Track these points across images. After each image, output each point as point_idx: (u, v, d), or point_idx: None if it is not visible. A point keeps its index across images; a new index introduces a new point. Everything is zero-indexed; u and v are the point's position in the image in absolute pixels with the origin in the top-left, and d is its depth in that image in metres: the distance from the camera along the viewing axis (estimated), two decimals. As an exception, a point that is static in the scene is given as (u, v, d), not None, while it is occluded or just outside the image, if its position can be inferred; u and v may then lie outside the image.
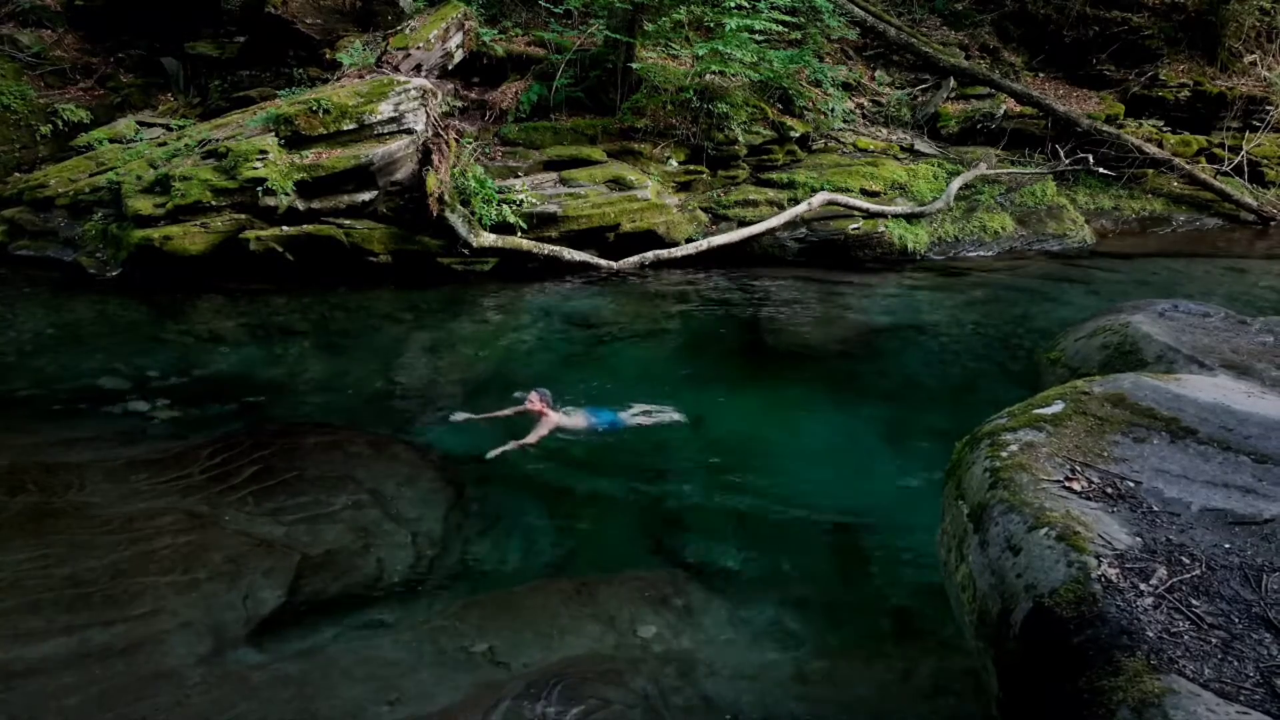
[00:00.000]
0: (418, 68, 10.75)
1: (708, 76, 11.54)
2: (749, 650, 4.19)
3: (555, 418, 6.19)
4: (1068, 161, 13.14)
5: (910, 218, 11.48)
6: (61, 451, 5.72)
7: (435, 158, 9.51)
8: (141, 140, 10.57)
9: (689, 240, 10.66)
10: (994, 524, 2.73)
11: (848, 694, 3.94)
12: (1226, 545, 2.53)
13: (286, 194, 9.05)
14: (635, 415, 6.41)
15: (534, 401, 6.19)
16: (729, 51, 10.87)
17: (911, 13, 15.11)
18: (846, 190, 11.40)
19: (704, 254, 10.59)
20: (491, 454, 5.84)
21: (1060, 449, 3.00)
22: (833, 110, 12.39)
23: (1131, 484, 2.84)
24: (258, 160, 9.05)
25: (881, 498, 5.75)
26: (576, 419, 6.27)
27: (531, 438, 5.99)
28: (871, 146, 12.53)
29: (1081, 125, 13.26)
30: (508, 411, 6.30)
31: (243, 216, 9.13)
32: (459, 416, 6.36)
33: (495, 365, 7.70)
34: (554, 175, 10.64)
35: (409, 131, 9.53)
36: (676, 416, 6.48)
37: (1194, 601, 2.31)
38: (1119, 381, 3.55)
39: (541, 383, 6.46)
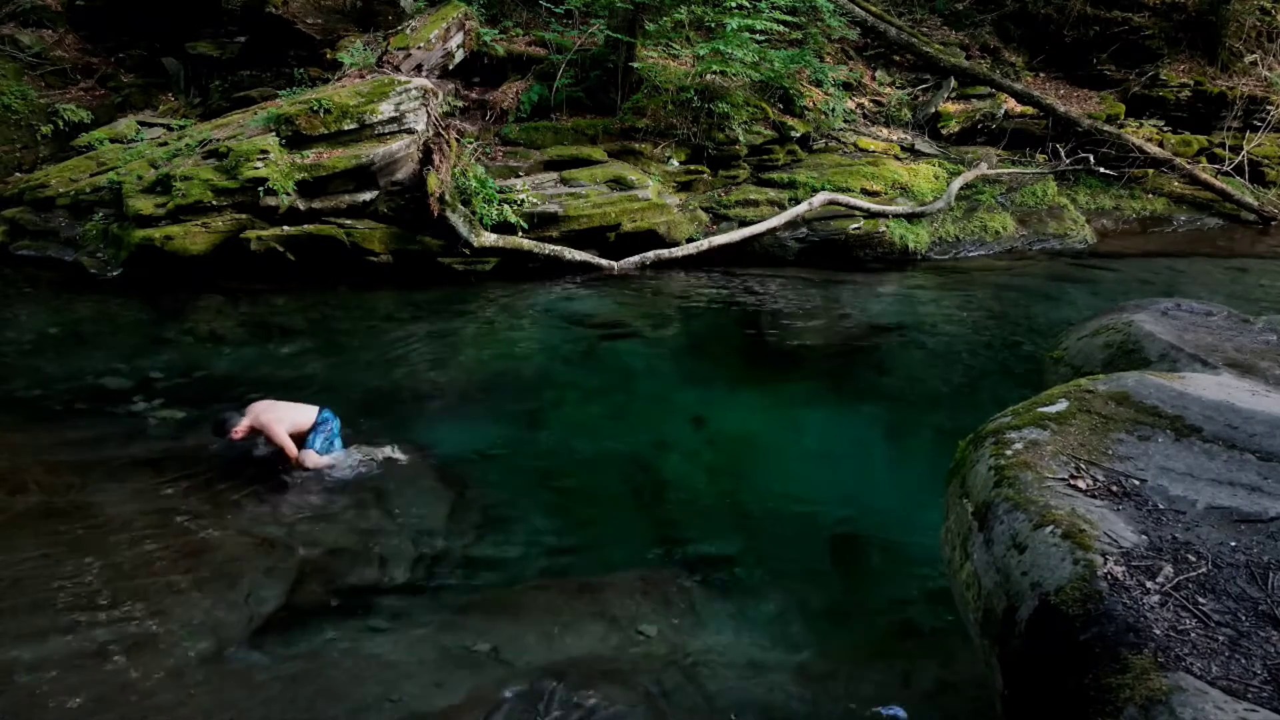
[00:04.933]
0: (418, 68, 10.74)
1: (708, 76, 11.53)
2: (751, 649, 4.18)
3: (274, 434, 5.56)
4: (1068, 161, 13.13)
5: (911, 217, 11.47)
6: (63, 451, 5.71)
7: (436, 157, 9.50)
8: (142, 140, 10.56)
9: (690, 240, 10.65)
10: (999, 522, 2.72)
11: (850, 693, 3.93)
12: (1232, 543, 2.53)
13: (287, 194, 9.04)
14: (359, 451, 5.81)
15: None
16: (730, 51, 10.86)
17: (912, 13, 15.10)
18: (847, 190, 11.38)
19: (705, 254, 10.58)
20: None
21: (1065, 447, 3.00)
22: (833, 110, 12.37)
23: (1136, 482, 2.83)
24: (259, 160, 9.04)
25: (883, 496, 5.74)
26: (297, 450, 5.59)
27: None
28: (872, 146, 12.51)
29: (1082, 125, 13.25)
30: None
31: (244, 216, 9.12)
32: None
33: (496, 365, 7.68)
34: (555, 175, 10.63)
35: (410, 131, 9.52)
36: (399, 457, 5.81)
37: (1200, 599, 2.30)
38: (1123, 380, 3.54)
39: (542, 382, 6.38)
